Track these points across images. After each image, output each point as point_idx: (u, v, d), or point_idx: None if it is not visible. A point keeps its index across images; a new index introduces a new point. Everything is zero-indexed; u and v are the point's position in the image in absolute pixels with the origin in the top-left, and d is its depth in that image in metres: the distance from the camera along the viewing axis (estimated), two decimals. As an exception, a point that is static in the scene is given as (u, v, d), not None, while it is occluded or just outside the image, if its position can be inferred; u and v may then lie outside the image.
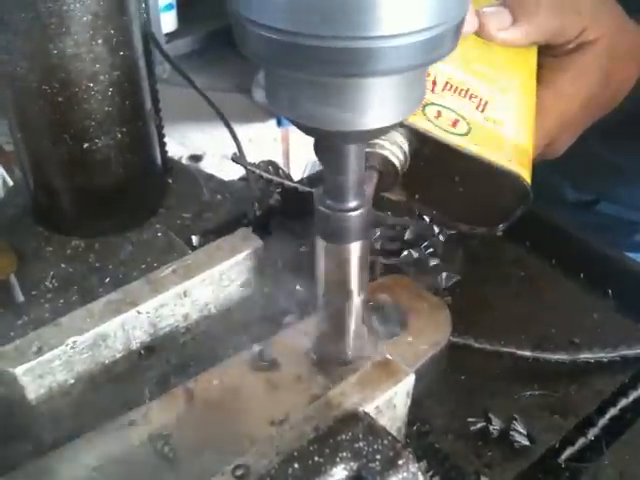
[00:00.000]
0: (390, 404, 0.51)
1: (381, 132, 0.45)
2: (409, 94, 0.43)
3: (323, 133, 0.45)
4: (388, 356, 0.53)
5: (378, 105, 0.42)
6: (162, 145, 0.93)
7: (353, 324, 0.57)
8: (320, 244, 0.53)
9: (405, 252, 0.81)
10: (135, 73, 0.80)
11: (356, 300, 0.56)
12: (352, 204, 0.50)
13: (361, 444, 0.46)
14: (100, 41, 0.74)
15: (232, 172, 1.02)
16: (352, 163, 0.48)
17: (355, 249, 0.52)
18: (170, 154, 0.98)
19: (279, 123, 2.16)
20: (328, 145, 0.48)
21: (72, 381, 0.54)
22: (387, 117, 0.43)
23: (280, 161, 2.28)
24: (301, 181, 0.91)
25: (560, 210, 1.06)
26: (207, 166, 2.65)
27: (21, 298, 0.73)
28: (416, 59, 0.39)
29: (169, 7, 2.77)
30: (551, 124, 0.69)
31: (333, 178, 0.49)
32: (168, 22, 2.74)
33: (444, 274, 0.79)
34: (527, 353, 0.68)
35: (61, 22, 0.71)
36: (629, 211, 1.08)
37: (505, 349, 0.67)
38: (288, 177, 0.92)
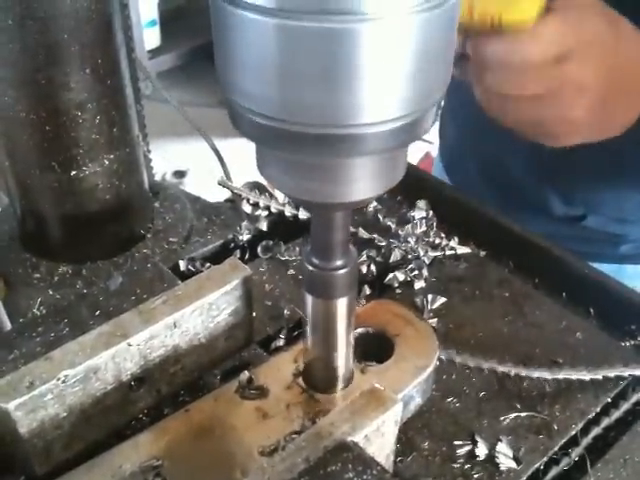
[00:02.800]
0: (379, 432, 0.52)
1: (366, 202, 0.47)
2: (392, 168, 0.46)
3: (310, 204, 0.47)
4: (376, 385, 0.54)
5: (362, 180, 0.44)
6: (149, 170, 0.94)
7: (341, 358, 0.58)
8: (307, 298, 0.55)
9: (390, 274, 0.83)
10: (122, 100, 0.81)
11: (343, 349, 0.57)
12: (338, 263, 0.52)
13: (351, 475, 0.47)
14: (88, 70, 0.75)
15: (217, 187, 1.03)
16: (338, 226, 0.50)
17: (342, 304, 0.54)
18: (154, 170, 0.99)
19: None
20: (314, 211, 0.50)
21: (64, 414, 0.54)
22: (370, 190, 0.45)
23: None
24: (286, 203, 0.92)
25: (547, 224, 1.07)
26: (191, 181, 2.65)
27: (8, 326, 0.73)
28: (396, 141, 0.41)
29: (152, 23, 2.77)
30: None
31: (319, 238, 0.51)
32: (151, 38, 2.74)
33: (429, 296, 0.80)
34: (509, 369, 0.69)
35: (49, 52, 0.72)
36: (615, 224, 1.09)
37: (487, 365, 0.69)
38: (273, 198, 0.93)
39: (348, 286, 0.53)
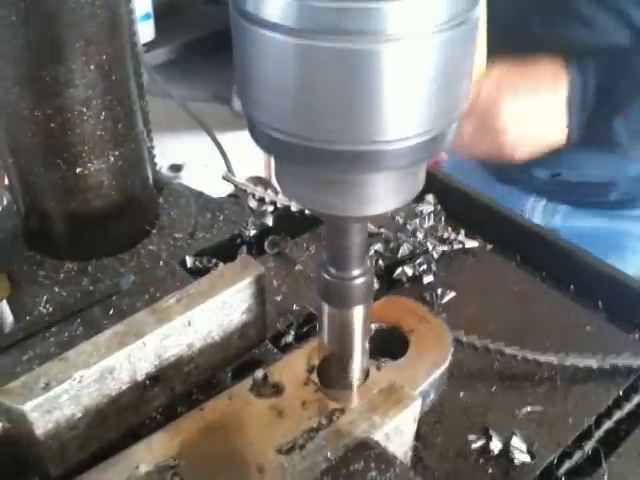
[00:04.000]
0: (398, 430, 0.52)
1: (384, 214, 0.46)
2: (411, 182, 0.45)
3: (327, 217, 0.47)
4: (394, 381, 0.54)
5: (381, 195, 0.44)
6: (153, 166, 0.93)
7: (357, 362, 0.58)
8: (323, 307, 0.54)
9: (399, 269, 0.82)
10: (127, 96, 0.80)
11: (358, 356, 0.57)
12: (354, 272, 0.51)
13: (373, 473, 0.46)
14: (92, 67, 0.74)
15: (213, 181, 1.02)
16: (355, 237, 0.49)
17: (358, 313, 0.54)
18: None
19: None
20: (331, 222, 0.50)
21: (79, 415, 0.54)
22: (390, 204, 0.45)
23: (262, 170, 2.28)
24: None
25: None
26: (187, 176, 2.64)
27: (10, 323, 0.73)
28: (416, 157, 0.41)
29: (147, 17, 2.74)
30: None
31: (336, 248, 0.51)
32: (146, 32, 2.71)
33: (439, 290, 0.80)
34: (516, 352, 0.69)
35: (53, 48, 0.71)
36: (598, 175, 1.12)
37: (492, 346, 0.69)
38: (277, 193, 0.92)
39: (364, 295, 0.53)
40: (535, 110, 0.92)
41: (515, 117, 0.91)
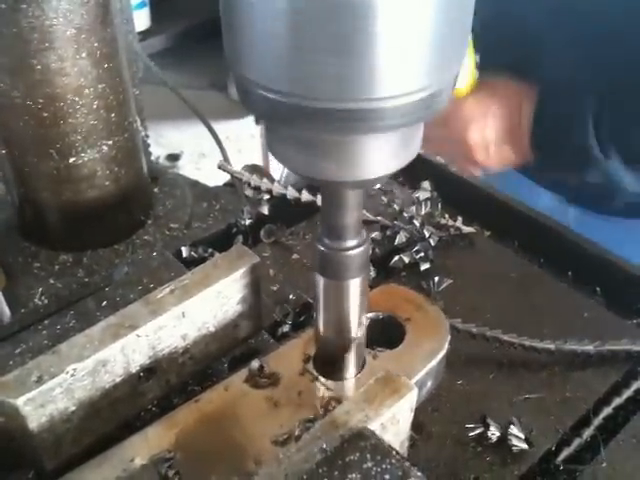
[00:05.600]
0: (394, 420, 0.52)
1: (379, 180, 0.45)
2: (407, 146, 0.44)
3: (322, 183, 0.46)
4: (390, 371, 0.54)
5: (376, 158, 0.43)
6: (147, 155, 0.92)
7: (354, 342, 0.57)
8: (319, 280, 0.53)
9: (396, 257, 0.82)
10: (120, 85, 0.79)
11: (355, 334, 0.56)
12: (351, 243, 0.50)
13: (369, 464, 0.46)
14: (84, 54, 0.73)
15: (210, 170, 1.02)
16: (350, 205, 0.48)
17: (354, 285, 0.53)
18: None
19: (257, 121, 2.14)
20: (326, 189, 0.49)
21: (73, 408, 0.53)
22: (385, 168, 0.44)
23: (259, 158, 2.27)
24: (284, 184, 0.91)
25: None
26: (185, 164, 2.63)
27: (8, 316, 0.72)
28: (412, 117, 0.40)
29: (142, 5, 2.72)
30: None
31: (331, 218, 0.50)
32: (141, 20, 2.69)
33: (436, 278, 0.80)
34: (514, 339, 0.69)
35: (44, 37, 0.70)
36: None
37: (490, 333, 0.69)
38: (273, 181, 0.91)
39: (361, 266, 0.52)
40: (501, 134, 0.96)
41: (481, 140, 0.96)
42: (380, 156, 0.43)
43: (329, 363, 0.58)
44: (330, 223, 0.50)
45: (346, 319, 0.55)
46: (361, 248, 0.51)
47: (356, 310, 0.55)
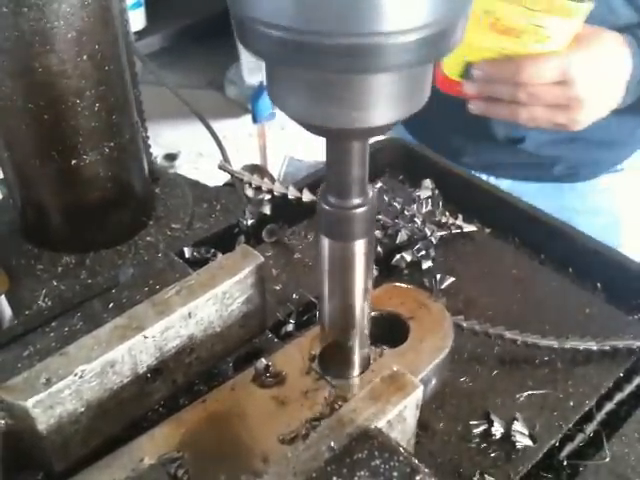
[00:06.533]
0: (401, 417, 0.52)
1: (385, 129, 0.43)
2: (414, 90, 0.42)
3: (326, 130, 0.43)
4: (395, 368, 0.54)
5: (382, 102, 0.41)
6: (148, 156, 0.92)
7: (358, 337, 0.57)
8: (324, 242, 0.52)
9: (398, 255, 0.82)
10: (121, 86, 0.80)
11: (360, 302, 0.55)
12: (356, 201, 0.49)
13: (377, 462, 0.46)
14: (85, 57, 0.73)
15: (208, 170, 1.02)
16: (356, 159, 0.46)
17: (360, 247, 0.51)
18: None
19: (255, 120, 2.15)
20: (331, 141, 0.47)
21: (81, 409, 0.54)
22: (391, 115, 0.42)
23: (256, 157, 2.28)
24: (285, 184, 0.91)
25: (491, 151, 1.21)
26: (182, 164, 2.63)
27: (10, 318, 0.72)
28: (420, 55, 0.38)
29: (137, 5, 2.73)
30: None
31: (336, 174, 0.48)
32: (136, 20, 2.70)
33: (438, 276, 0.80)
34: (517, 336, 0.69)
35: (45, 40, 0.71)
36: (549, 146, 1.17)
37: (492, 330, 0.69)
38: (274, 181, 0.91)
39: (366, 227, 0.50)
40: (605, 78, 0.94)
41: (591, 86, 0.92)
42: (384, 100, 0.41)
43: (334, 358, 0.58)
44: (335, 180, 0.48)
45: (352, 284, 0.53)
46: (366, 207, 0.49)
47: (362, 274, 0.53)
